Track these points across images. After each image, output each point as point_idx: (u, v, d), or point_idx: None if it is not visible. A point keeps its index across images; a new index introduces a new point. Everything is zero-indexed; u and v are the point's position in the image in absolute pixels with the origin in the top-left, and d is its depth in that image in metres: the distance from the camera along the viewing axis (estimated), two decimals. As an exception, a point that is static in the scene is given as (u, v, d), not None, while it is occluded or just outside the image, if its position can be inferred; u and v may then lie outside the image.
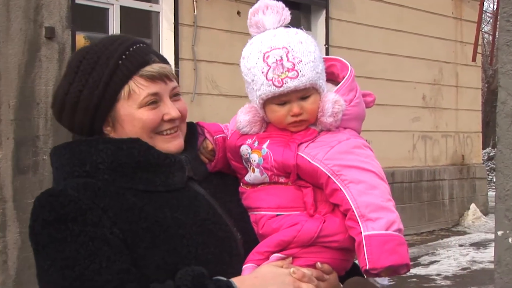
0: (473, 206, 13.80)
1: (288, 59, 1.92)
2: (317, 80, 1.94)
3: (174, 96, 1.95)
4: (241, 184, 2.05)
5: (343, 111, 1.95)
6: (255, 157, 1.97)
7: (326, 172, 1.88)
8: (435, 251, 10.92)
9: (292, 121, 1.96)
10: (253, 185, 2.01)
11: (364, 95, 2.08)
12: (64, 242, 1.74)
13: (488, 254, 10.33)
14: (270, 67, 1.92)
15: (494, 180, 8.12)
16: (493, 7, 21.17)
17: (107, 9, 8.30)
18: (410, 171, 12.66)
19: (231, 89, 8.99)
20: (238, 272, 1.88)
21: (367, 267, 1.80)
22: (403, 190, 12.53)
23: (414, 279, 9.20)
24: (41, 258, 1.78)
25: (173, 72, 1.97)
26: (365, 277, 1.91)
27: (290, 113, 1.95)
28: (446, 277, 9.12)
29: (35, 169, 6.54)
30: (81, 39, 7.60)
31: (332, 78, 2.07)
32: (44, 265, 1.77)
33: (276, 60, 1.92)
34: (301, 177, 1.93)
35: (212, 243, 1.86)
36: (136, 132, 1.89)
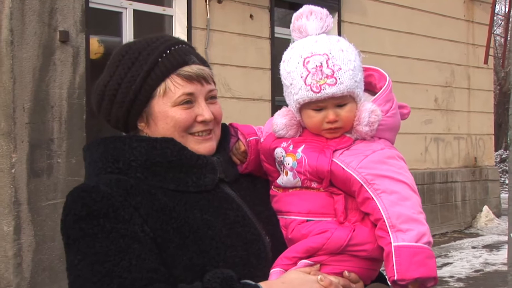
0: (485, 208, 13.75)
1: (328, 66, 1.93)
2: (355, 88, 1.96)
3: (211, 98, 1.96)
4: (273, 187, 2.05)
5: (379, 121, 1.96)
6: (289, 160, 1.97)
7: (360, 180, 1.89)
8: (448, 253, 10.88)
9: (328, 127, 1.97)
10: (285, 188, 2.01)
11: (400, 107, 2.09)
12: (95, 237, 1.75)
13: (501, 256, 10.29)
14: (310, 72, 1.93)
15: (507, 182, 8.03)
16: (505, 9, 21.05)
17: (121, 12, 8.34)
18: (422, 174, 12.63)
19: (244, 92, 9.01)
20: (265, 276, 1.88)
21: (395, 277, 1.80)
22: (416, 192, 12.47)
23: (427, 282, 9.18)
24: (72, 252, 1.79)
25: (212, 75, 1.98)
26: (389, 285, 1.91)
27: (326, 119, 1.96)
28: (459, 279, 9.09)
29: (49, 172, 6.57)
30: (95, 43, 7.64)
31: (370, 88, 2.08)
32: (74, 259, 1.77)
33: (316, 66, 1.93)
34: (334, 183, 1.94)
35: (240, 246, 1.86)
36: (168, 130, 1.90)
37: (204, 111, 1.92)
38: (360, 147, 1.95)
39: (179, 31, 8.85)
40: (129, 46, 1.97)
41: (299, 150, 1.97)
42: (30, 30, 6.45)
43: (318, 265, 1.90)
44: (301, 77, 1.93)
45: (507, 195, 7.47)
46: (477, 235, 12.75)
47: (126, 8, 8.35)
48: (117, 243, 1.74)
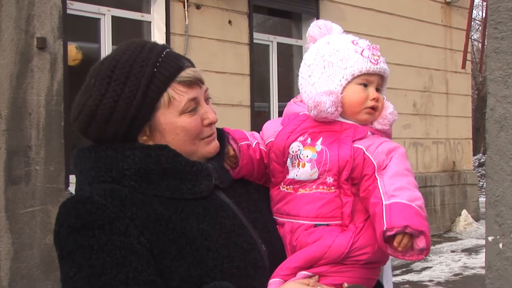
0: (464, 212, 13.84)
1: (376, 49, 2.08)
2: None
3: (207, 99, 1.94)
4: (281, 186, 2.04)
5: (394, 122, 2.07)
6: (307, 153, 1.97)
7: (375, 164, 1.93)
8: (427, 257, 10.93)
9: (371, 105, 2.03)
10: (294, 183, 2.00)
11: None
12: (91, 249, 1.72)
13: (479, 260, 10.37)
14: (364, 48, 2.04)
15: (485, 186, 8.15)
16: (482, 14, 21.28)
17: (99, 19, 8.31)
18: (401, 178, 12.69)
19: (223, 98, 9.01)
20: (263, 285, 1.87)
21: (384, 227, 1.80)
22: (395, 197, 12.54)
23: (407, 285, 9.22)
24: (66, 264, 1.75)
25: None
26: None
27: (371, 97, 2.03)
28: (439, 283, 9.14)
29: (27, 180, 6.53)
30: (73, 49, 7.62)
31: None
32: (69, 271, 1.74)
33: (368, 45, 2.07)
34: (351, 174, 1.96)
35: (237, 256, 1.83)
36: (179, 140, 1.87)
37: (208, 113, 1.90)
38: (375, 138, 2.01)
39: (158, 37, 8.84)
40: (115, 60, 1.87)
41: (318, 142, 1.98)
42: (7, 37, 6.42)
43: (317, 277, 1.89)
44: (356, 52, 2.03)
45: (485, 199, 7.60)
46: (456, 239, 12.83)
47: (104, 15, 8.33)
48: (113, 256, 1.71)
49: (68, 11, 7.56)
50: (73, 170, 1.98)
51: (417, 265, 10.49)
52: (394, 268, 10.38)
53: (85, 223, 1.74)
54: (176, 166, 1.85)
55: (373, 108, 2.03)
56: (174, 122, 1.86)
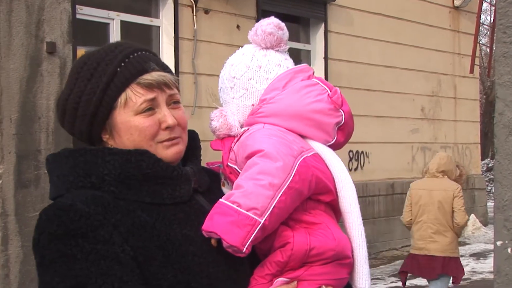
0: (472, 216, 13.80)
1: None
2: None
3: (174, 103, 1.90)
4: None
5: (211, 128, 2.05)
6: None
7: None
8: (436, 262, 10.89)
9: None
10: None
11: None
12: (74, 259, 1.68)
13: (488, 265, 10.34)
14: None
15: (493, 190, 8.09)
16: (490, 19, 21.22)
17: (108, 24, 8.35)
18: (409, 183, 12.64)
19: (231, 102, 9.02)
20: None
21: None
22: (403, 201, 12.49)
23: (415, 291, 9.21)
24: (48, 273, 1.70)
25: (174, 80, 1.91)
26: None
27: None
28: (447, 288, 9.11)
29: (36, 183, 6.55)
30: (82, 54, 7.65)
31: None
32: (51, 281, 1.69)
33: None
34: None
35: (221, 261, 1.82)
36: (134, 141, 1.84)
37: (166, 116, 1.85)
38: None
39: (166, 42, 8.87)
40: (88, 57, 1.89)
41: None
42: (17, 42, 6.44)
43: (295, 282, 1.87)
44: None
45: (493, 203, 7.55)
46: (464, 243, 12.79)
47: (113, 19, 8.36)
48: (97, 265, 1.67)
49: (78, 16, 7.60)
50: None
51: (425, 270, 10.45)
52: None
53: (68, 231, 1.69)
54: (157, 171, 1.82)
55: None
56: (128, 121, 1.83)
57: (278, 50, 2.08)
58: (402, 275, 7.37)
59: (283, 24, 2.10)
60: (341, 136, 2.03)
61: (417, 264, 7.14)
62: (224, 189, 2.01)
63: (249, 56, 2.07)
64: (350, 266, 1.94)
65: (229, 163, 1.98)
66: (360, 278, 1.96)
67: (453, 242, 7.12)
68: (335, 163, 1.97)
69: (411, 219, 7.32)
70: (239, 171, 1.93)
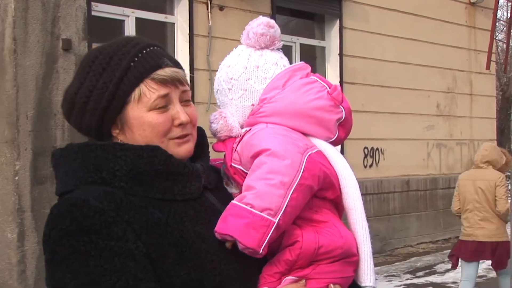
0: None
1: None
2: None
3: (185, 101, 1.89)
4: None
5: (211, 130, 2.04)
6: None
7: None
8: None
9: None
10: None
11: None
12: (88, 255, 1.65)
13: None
14: None
15: (510, 187, 7.97)
16: (507, 15, 21.10)
17: (123, 20, 8.38)
18: (425, 179, 12.64)
19: (246, 99, 9.03)
20: (254, 285, 1.86)
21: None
22: (418, 198, 12.51)
23: (430, 287, 9.19)
24: (59, 269, 1.68)
25: (186, 77, 1.91)
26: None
27: None
28: (462, 285, 9.08)
29: (52, 180, 6.57)
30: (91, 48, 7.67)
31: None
32: (63, 277, 1.66)
33: None
34: None
35: (232, 258, 1.81)
36: (146, 137, 1.83)
37: (180, 113, 1.85)
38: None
39: (181, 39, 8.89)
40: (99, 51, 1.88)
41: None
42: (33, 39, 6.49)
43: (304, 281, 1.87)
44: None
45: (510, 200, 7.55)
46: None
47: (128, 16, 8.39)
48: (111, 262, 1.65)
49: (93, 13, 7.63)
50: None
51: (441, 267, 10.44)
52: (418, 269, 10.35)
53: (81, 227, 1.67)
54: (169, 168, 1.81)
55: None
56: (141, 117, 1.82)
57: (273, 49, 2.09)
58: (453, 258, 7.80)
59: (273, 22, 2.09)
60: (342, 132, 2.04)
61: (465, 249, 7.61)
62: (228, 188, 2.01)
63: (246, 56, 2.08)
64: (356, 264, 1.94)
65: (233, 164, 1.98)
66: (365, 274, 1.95)
67: (500, 227, 7.55)
68: (338, 160, 1.98)
69: (460, 208, 7.80)
70: (244, 171, 1.93)
